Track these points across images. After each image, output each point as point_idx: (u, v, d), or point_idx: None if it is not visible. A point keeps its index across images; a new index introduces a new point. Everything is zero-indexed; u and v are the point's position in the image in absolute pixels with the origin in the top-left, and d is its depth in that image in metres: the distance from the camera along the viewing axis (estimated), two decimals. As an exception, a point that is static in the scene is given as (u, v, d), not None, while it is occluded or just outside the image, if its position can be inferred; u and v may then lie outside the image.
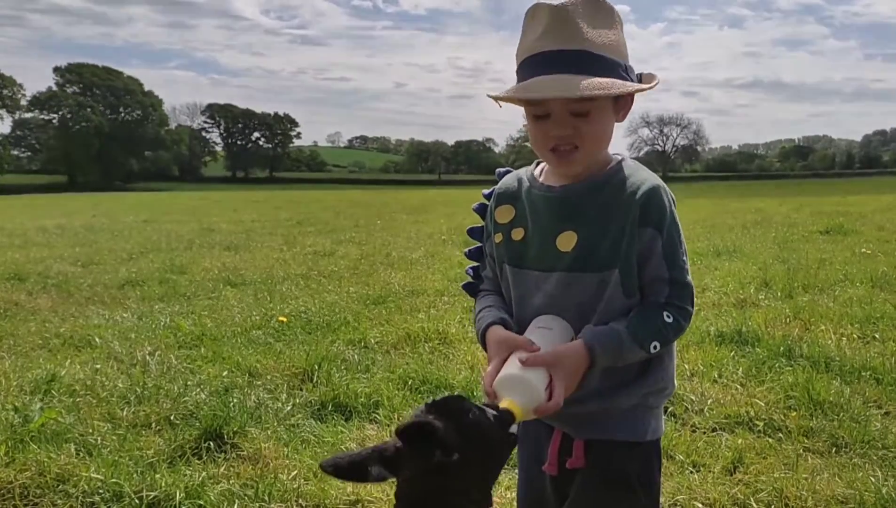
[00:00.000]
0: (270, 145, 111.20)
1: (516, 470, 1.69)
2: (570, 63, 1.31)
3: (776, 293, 6.04)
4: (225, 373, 4.04)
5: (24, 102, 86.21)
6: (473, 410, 1.14)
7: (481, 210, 1.62)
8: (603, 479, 1.46)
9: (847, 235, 10.54)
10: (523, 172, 1.56)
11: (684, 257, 1.42)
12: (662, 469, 1.69)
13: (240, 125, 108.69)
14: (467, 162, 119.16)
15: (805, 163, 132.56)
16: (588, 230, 1.40)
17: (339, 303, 6.19)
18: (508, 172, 1.61)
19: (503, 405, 1.23)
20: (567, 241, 1.41)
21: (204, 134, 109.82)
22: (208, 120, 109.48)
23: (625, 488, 1.46)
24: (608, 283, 1.39)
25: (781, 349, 4.24)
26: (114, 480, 2.65)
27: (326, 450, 3.05)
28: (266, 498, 2.62)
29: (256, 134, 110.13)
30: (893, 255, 8.11)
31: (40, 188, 61.28)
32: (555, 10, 1.32)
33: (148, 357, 4.35)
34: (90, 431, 3.16)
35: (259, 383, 3.90)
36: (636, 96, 1.41)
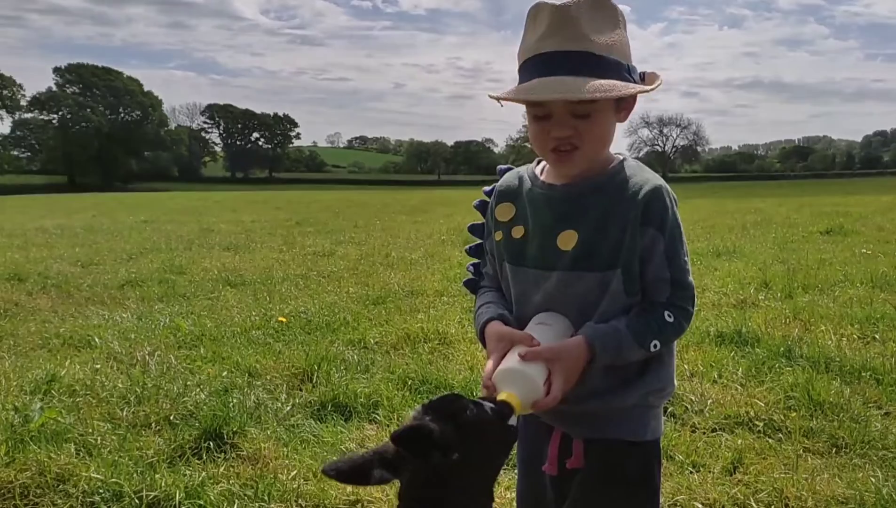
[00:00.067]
0: (270, 146, 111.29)
1: (516, 470, 1.69)
2: (571, 65, 1.31)
3: (776, 294, 6.04)
4: (224, 373, 4.04)
5: (23, 103, 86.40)
6: (470, 407, 1.14)
7: (482, 207, 1.62)
8: (602, 479, 1.46)
9: (847, 235, 10.54)
10: (524, 170, 1.56)
11: (685, 258, 1.42)
12: (662, 470, 1.69)
13: (239, 126, 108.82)
14: (467, 162, 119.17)
15: (805, 163, 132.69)
16: (589, 230, 1.40)
17: (339, 303, 6.19)
18: (510, 169, 1.61)
19: (501, 397, 1.24)
20: (568, 240, 1.41)
21: (203, 134, 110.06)
22: (208, 120, 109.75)
23: (624, 487, 1.46)
24: (610, 283, 1.39)
25: (781, 349, 4.24)
26: (114, 480, 2.65)
27: (326, 450, 3.05)
28: (266, 498, 2.62)
29: (256, 134, 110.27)
30: (893, 255, 8.12)
31: (40, 189, 61.19)
32: (557, 9, 1.32)
33: (148, 357, 4.35)
34: (90, 431, 3.16)
35: (259, 383, 3.90)
36: (638, 96, 1.41)
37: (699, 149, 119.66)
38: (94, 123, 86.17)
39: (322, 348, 4.51)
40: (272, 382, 3.92)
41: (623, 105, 1.40)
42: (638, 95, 1.40)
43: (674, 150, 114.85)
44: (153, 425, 3.29)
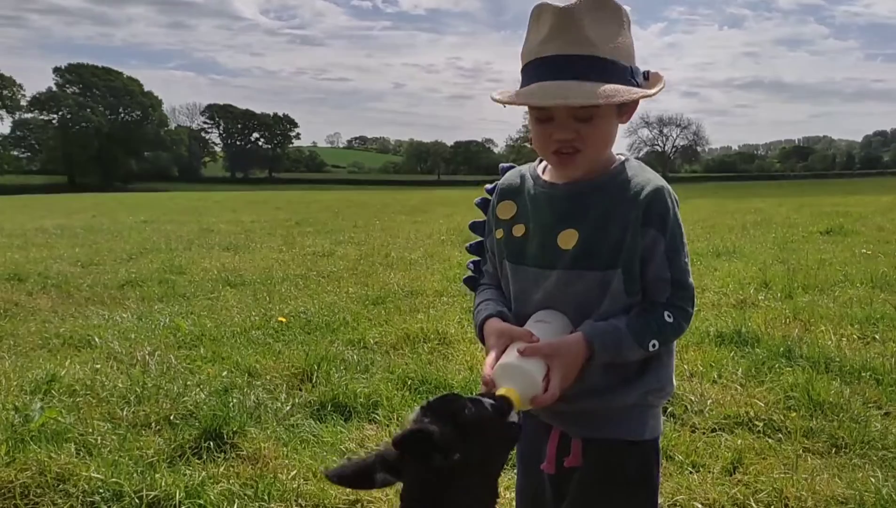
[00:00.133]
0: (270, 146, 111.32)
1: (515, 470, 1.69)
2: (574, 69, 1.30)
3: (776, 294, 6.04)
4: (224, 373, 4.05)
5: (23, 103, 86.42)
6: (469, 406, 1.14)
7: (483, 205, 1.62)
8: (602, 478, 1.46)
9: (847, 235, 10.54)
10: (526, 169, 1.56)
11: (686, 259, 1.42)
12: (662, 470, 1.69)
13: (239, 126, 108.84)
14: (466, 162, 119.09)
15: (805, 163, 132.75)
16: (589, 229, 1.40)
17: (339, 303, 6.19)
18: (512, 167, 1.61)
19: (500, 393, 1.24)
20: (568, 239, 1.41)
21: (203, 134, 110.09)
22: (208, 120, 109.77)
23: (624, 487, 1.47)
24: (610, 282, 1.39)
25: (781, 349, 4.24)
26: (114, 480, 2.65)
27: (326, 450, 3.05)
28: (266, 498, 2.62)
29: (256, 134, 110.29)
30: (893, 255, 8.12)
31: (40, 189, 61.24)
32: (560, 11, 1.31)
33: (148, 357, 4.35)
34: (90, 431, 3.16)
35: (258, 383, 3.90)
36: None
37: (699, 149, 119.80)
38: (94, 123, 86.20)
39: (322, 348, 4.52)
40: (272, 382, 3.92)
41: (625, 108, 1.40)
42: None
43: (674, 150, 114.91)
44: (153, 425, 3.29)
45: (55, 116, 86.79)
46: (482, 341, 1.47)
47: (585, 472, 1.46)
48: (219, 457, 2.96)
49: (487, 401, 1.18)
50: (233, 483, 2.71)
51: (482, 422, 1.14)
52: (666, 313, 1.38)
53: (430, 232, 13.16)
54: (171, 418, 3.34)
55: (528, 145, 1.50)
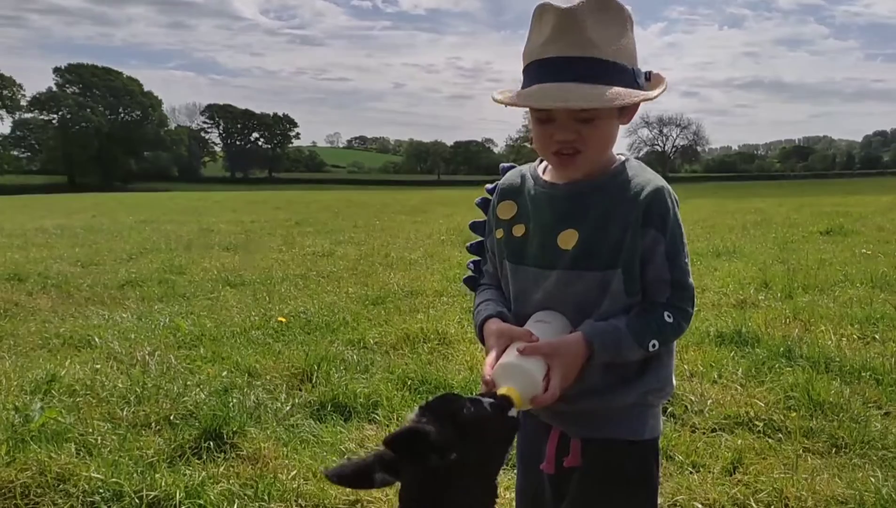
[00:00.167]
0: (269, 146, 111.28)
1: (514, 470, 1.69)
2: (575, 71, 1.30)
3: (776, 294, 6.04)
4: (224, 373, 4.04)
5: (23, 103, 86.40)
6: (467, 405, 1.14)
7: (483, 204, 1.62)
8: (602, 478, 1.46)
9: (847, 235, 10.54)
10: (527, 169, 1.57)
11: (686, 260, 1.42)
12: (662, 470, 1.69)
13: (239, 126, 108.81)
14: (466, 162, 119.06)
15: (805, 163, 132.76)
16: (589, 229, 1.40)
17: (338, 303, 6.19)
18: (512, 167, 1.61)
19: (500, 392, 1.24)
20: (568, 239, 1.41)
21: (203, 134, 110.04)
22: (207, 120, 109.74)
23: (623, 487, 1.47)
24: (610, 282, 1.39)
25: (781, 349, 4.24)
26: (114, 480, 2.65)
27: (326, 450, 3.05)
28: (266, 498, 2.62)
29: (255, 134, 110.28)
30: (893, 255, 8.12)
31: (40, 189, 61.18)
32: (562, 13, 1.31)
33: (148, 357, 4.35)
34: (90, 431, 3.16)
35: (258, 383, 3.90)
36: None
37: (699, 149, 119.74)
38: (93, 123, 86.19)
39: (321, 348, 4.52)
40: (272, 382, 3.92)
41: (626, 109, 1.40)
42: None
43: (674, 150, 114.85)
44: (153, 425, 3.29)
45: (55, 116, 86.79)
46: (482, 341, 1.48)
47: (585, 472, 1.46)
48: (219, 457, 2.96)
49: (487, 401, 1.18)
50: (233, 483, 2.71)
51: (481, 422, 1.14)
52: (666, 313, 1.39)
53: (429, 232, 13.16)
54: (171, 418, 3.34)
55: (529, 145, 1.50)
